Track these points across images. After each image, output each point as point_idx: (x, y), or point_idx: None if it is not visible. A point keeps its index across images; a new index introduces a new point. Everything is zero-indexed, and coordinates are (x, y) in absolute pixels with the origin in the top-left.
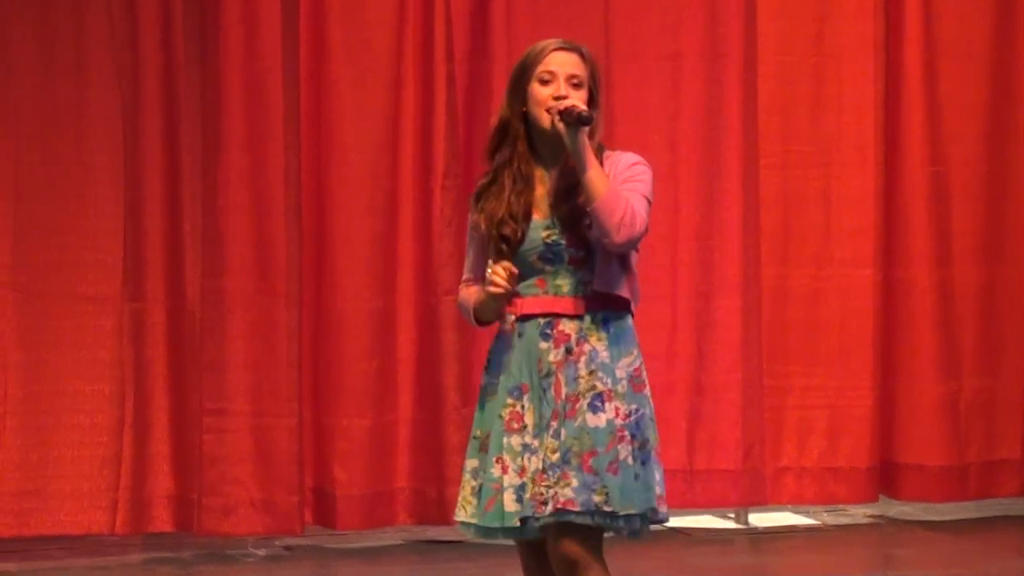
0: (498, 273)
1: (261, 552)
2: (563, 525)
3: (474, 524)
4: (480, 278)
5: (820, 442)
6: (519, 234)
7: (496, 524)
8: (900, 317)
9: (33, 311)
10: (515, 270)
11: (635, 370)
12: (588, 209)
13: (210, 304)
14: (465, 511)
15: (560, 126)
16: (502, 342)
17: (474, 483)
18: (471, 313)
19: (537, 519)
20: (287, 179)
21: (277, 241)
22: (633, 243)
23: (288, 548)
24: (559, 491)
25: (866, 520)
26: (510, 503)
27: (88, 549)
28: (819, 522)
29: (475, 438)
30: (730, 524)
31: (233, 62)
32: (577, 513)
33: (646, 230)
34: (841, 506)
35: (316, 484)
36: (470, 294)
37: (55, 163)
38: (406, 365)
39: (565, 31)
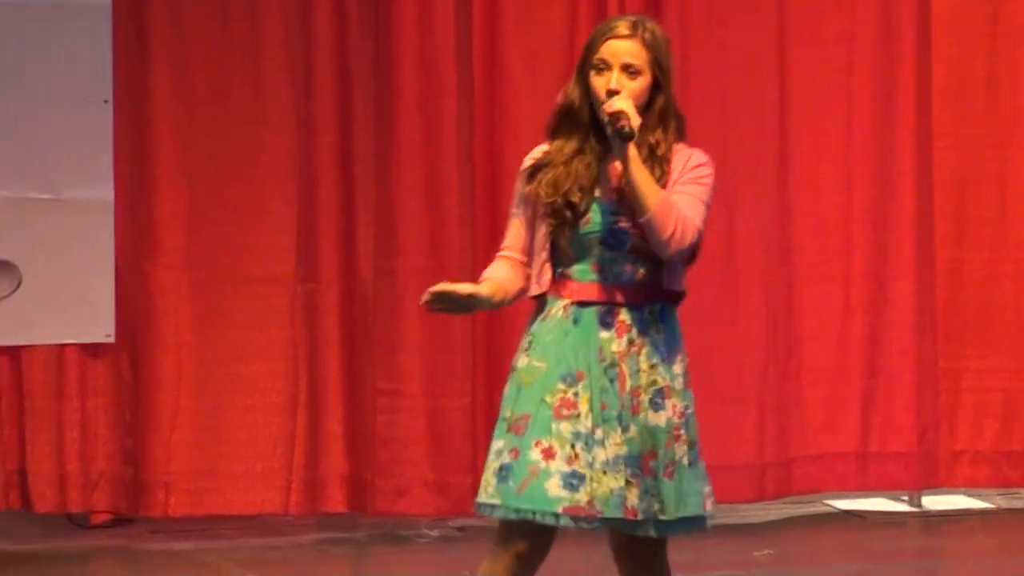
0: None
1: (434, 533)
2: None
3: (498, 504)
4: (520, 251)
5: (994, 425)
6: (585, 205)
7: (530, 506)
8: None
9: (207, 292)
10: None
11: (687, 366)
12: (639, 222)
13: (384, 284)
14: (486, 491)
15: (608, 129)
16: (550, 325)
17: (496, 464)
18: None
19: (603, 518)
20: (460, 159)
21: (450, 221)
22: (684, 253)
23: (461, 529)
24: (628, 495)
25: None
26: (555, 489)
27: (261, 529)
28: (993, 505)
29: (504, 419)
30: (904, 507)
31: (406, 40)
32: (637, 523)
33: (700, 237)
34: (1015, 489)
35: None
36: (490, 272)
37: (229, 145)
38: None
39: (739, 14)
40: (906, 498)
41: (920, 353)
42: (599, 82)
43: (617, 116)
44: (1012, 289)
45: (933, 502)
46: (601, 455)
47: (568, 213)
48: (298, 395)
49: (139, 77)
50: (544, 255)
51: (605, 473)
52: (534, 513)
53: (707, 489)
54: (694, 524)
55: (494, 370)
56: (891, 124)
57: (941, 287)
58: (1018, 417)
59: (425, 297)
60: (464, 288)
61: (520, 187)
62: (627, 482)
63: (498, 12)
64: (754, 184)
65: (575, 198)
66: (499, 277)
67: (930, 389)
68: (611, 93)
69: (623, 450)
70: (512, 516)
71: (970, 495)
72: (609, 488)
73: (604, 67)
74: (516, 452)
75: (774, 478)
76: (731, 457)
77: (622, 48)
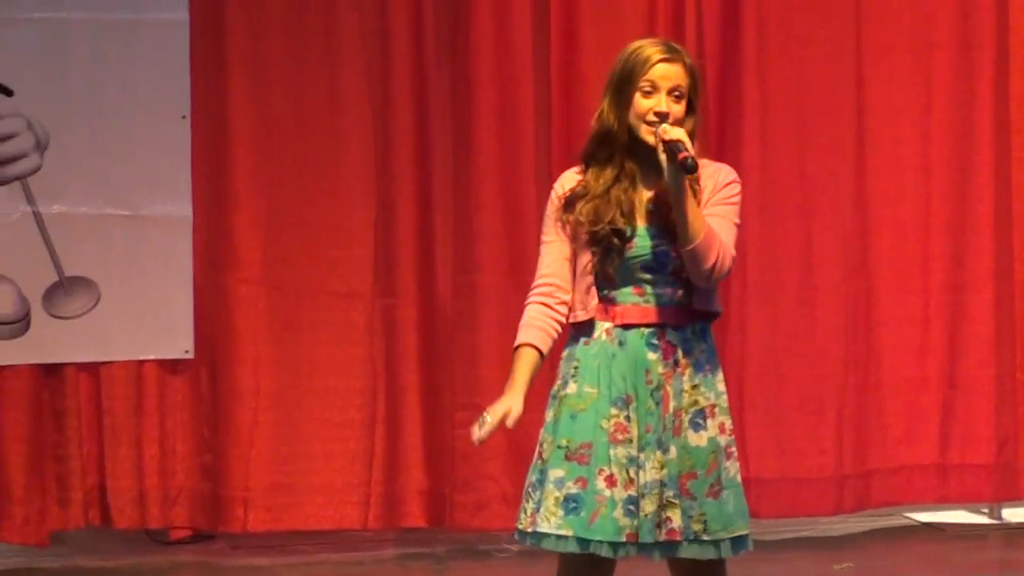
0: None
1: (514, 548)
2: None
3: (569, 536)
4: (558, 277)
5: None
6: (630, 232)
7: (604, 538)
8: None
9: (285, 306)
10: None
11: (725, 383)
12: (681, 251)
13: (462, 299)
14: (549, 522)
15: (662, 156)
16: (595, 350)
17: (558, 493)
18: (517, 338)
19: (655, 543)
20: (537, 176)
21: (528, 237)
22: (719, 281)
23: None
24: (672, 516)
25: None
26: (621, 518)
27: (341, 544)
28: None
29: (560, 447)
30: (984, 519)
31: (484, 57)
32: (681, 545)
33: (734, 263)
34: None
35: None
36: (531, 321)
37: (307, 160)
38: None
39: (817, 26)
40: (986, 510)
41: (999, 364)
42: (646, 104)
43: (676, 146)
44: None
45: (1013, 514)
46: (642, 478)
47: (615, 241)
48: (376, 410)
49: (217, 93)
50: (588, 281)
51: (643, 497)
52: (604, 544)
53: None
54: (743, 544)
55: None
56: (969, 135)
57: (1020, 298)
58: None
59: (481, 437)
60: (513, 414)
61: (554, 214)
62: (669, 503)
63: (576, 29)
64: (832, 196)
65: (621, 225)
66: (536, 358)
67: (1009, 401)
68: (660, 116)
69: (661, 473)
70: (581, 549)
71: None
72: (646, 513)
73: (652, 90)
74: (584, 482)
75: (853, 490)
76: (810, 469)
77: (671, 72)
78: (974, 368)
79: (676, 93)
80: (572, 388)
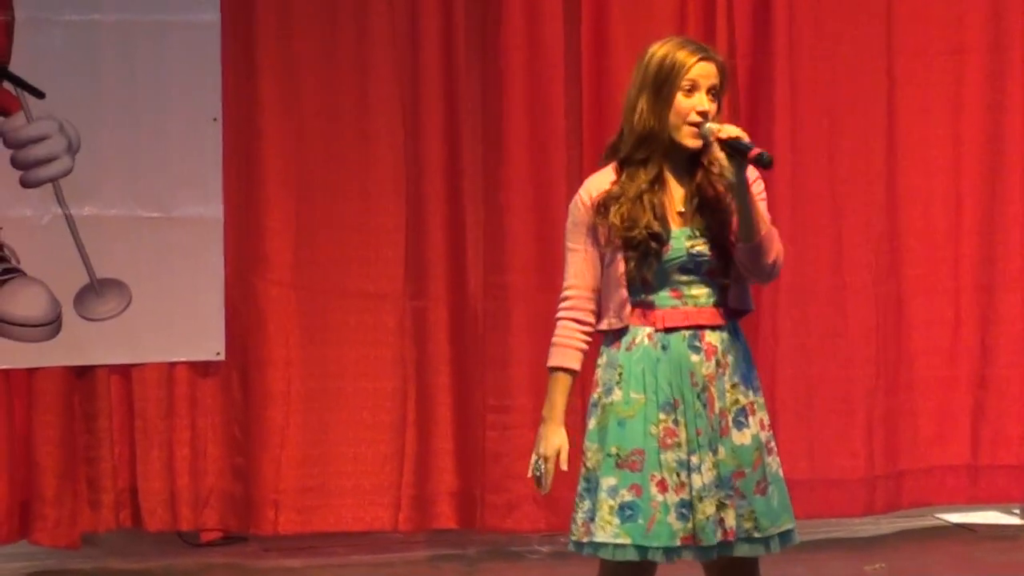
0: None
1: (545, 549)
2: (740, 558)
3: (627, 544)
4: (587, 288)
5: None
6: (667, 234)
7: (661, 544)
8: None
9: (315, 308)
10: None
11: (760, 379)
12: (743, 245)
13: (493, 301)
14: (605, 531)
15: (719, 155)
16: (637, 355)
17: (612, 502)
18: (552, 357)
19: (712, 546)
20: (568, 176)
21: (559, 238)
22: (777, 275)
23: None
24: (725, 517)
25: None
26: (675, 522)
27: (372, 546)
28: None
29: (609, 455)
30: (1016, 520)
31: (514, 57)
32: (735, 544)
33: None
34: None
35: None
36: (562, 340)
37: (337, 161)
38: None
39: (848, 26)
40: (1017, 511)
41: None
42: (687, 104)
43: (742, 144)
44: None
45: None
46: (698, 481)
47: (653, 244)
48: (407, 412)
49: (248, 95)
50: (623, 286)
51: (701, 500)
52: (660, 550)
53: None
54: (789, 538)
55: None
56: (1000, 135)
57: None
58: None
59: (547, 487)
60: (564, 451)
61: (582, 219)
62: (721, 504)
63: (607, 29)
64: (863, 196)
65: (656, 228)
66: (571, 382)
67: None
68: (703, 115)
69: (714, 473)
70: (640, 557)
71: None
72: (706, 515)
73: (694, 89)
74: (638, 489)
75: (884, 491)
76: (841, 470)
77: (711, 71)
78: (1004, 369)
79: (712, 92)
80: (618, 395)
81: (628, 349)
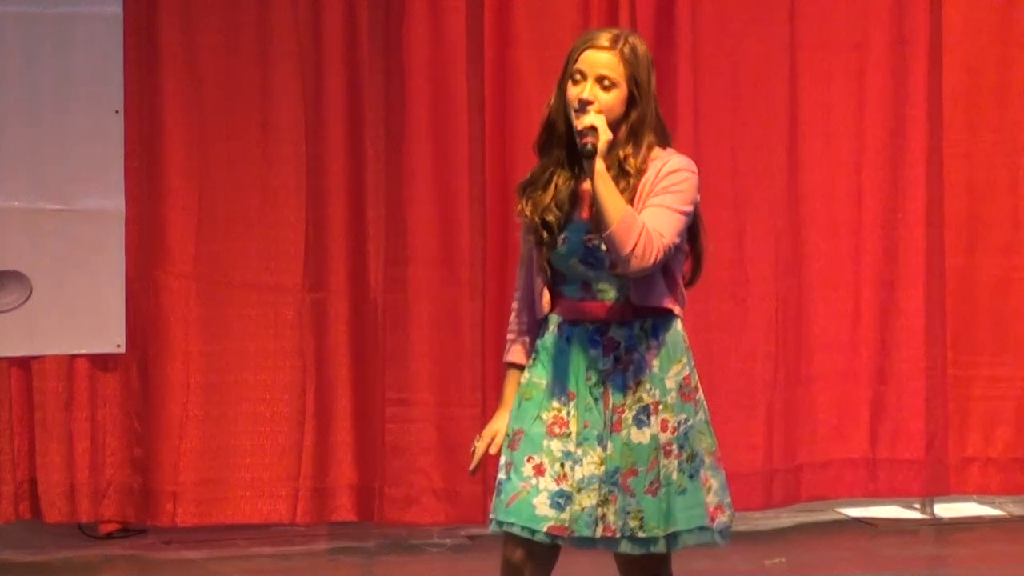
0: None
1: (445, 542)
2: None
3: (492, 519)
4: (526, 277)
5: (1007, 432)
6: (562, 223)
7: (516, 520)
8: None
9: (216, 301)
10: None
11: (685, 378)
12: (602, 237)
13: (393, 294)
14: (492, 508)
15: (577, 143)
16: (549, 342)
17: (498, 478)
18: (505, 351)
19: (589, 538)
20: (471, 168)
21: (461, 231)
22: (647, 270)
23: (472, 538)
24: (607, 512)
25: None
26: (543, 507)
27: (272, 538)
28: (1005, 513)
29: (507, 434)
30: (915, 515)
31: (417, 50)
32: (614, 540)
33: (670, 248)
34: None
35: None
36: (515, 335)
37: (239, 154)
38: None
39: (751, 21)
40: (918, 506)
41: (930, 360)
42: (574, 92)
43: (583, 132)
44: None
45: (945, 510)
46: (579, 473)
47: (544, 233)
48: (306, 404)
49: (150, 87)
50: (540, 277)
51: (580, 491)
52: (518, 527)
53: (716, 499)
54: (699, 535)
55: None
56: (902, 131)
57: (951, 294)
58: None
59: (474, 468)
60: (499, 438)
61: (518, 213)
62: (604, 500)
63: (510, 23)
64: (764, 191)
65: (550, 217)
66: (520, 371)
67: (939, 396)
68: (583, 103)
69: (599, 469)
70: (499, 530)
71: (982, 503)
72: (582, 507)
73: (580, 78)
74: (510, 466)
75: (782, 485)
76: (739, 464)
77: (600, 60)
78: (904, 363)
79: (605, 82)
80: (526, 376)
81: (544, 335)
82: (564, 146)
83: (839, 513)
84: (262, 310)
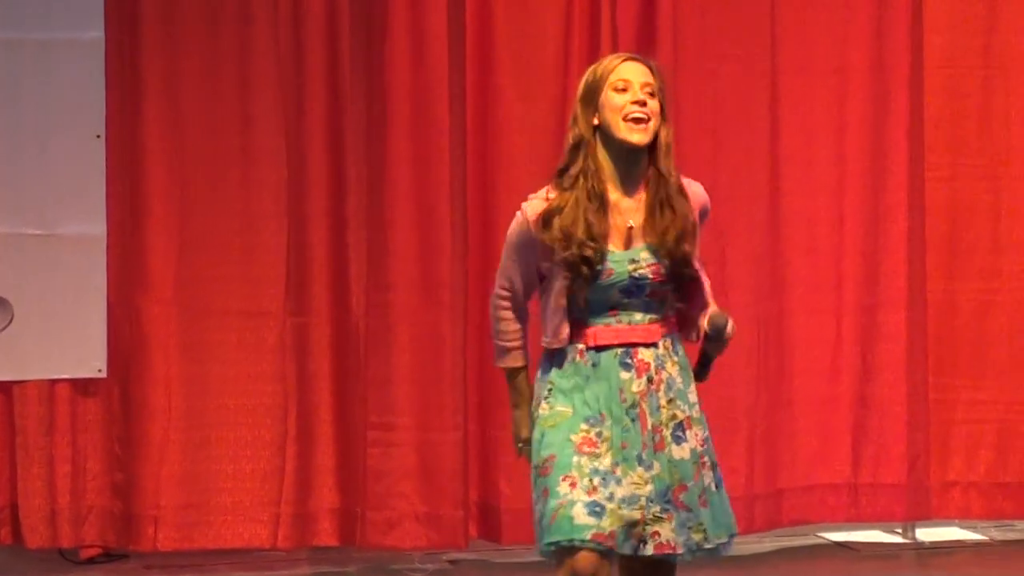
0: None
1: (426, 566)
2: (659, 562)
3: (537, 548)
4: (524, 296)
5: (988, 456)
6: (600, 257)
7: (560, 537)
8: None
9: (196, 325)
10: None
11: (697, 392)
12: (707, 348)
13: (375, 318)
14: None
15: (705, 329)
16: (568, 371)
17: (536, 510)
18: (503, 359)
19: (635, 554)
20: (453, 193)
21: (442, 255)
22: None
23: (453, 563)
24: (660, 531)
25: None
26: (581, 516)
27: (254, 563)
28: (987, 538)
29: (534, 467)
30: (897, 539)
31: (399, 74)
32: (680, 555)
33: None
34: (1009, 522)
35: (481, 498)
36: (512, 337)
37: (220, 179)
38: None
39: (732, 46)
40: (900, 530)
41: (911, 384)
42: (621, 99)
43: (721, 337)
44: (1005, 321)
45: (927, 534)
46: (619, 492)
47: (584, 268)
48: (288, 428)
49: (131, 112)
50: (562, 304)
51: (621, 508)
52: (564, 540)
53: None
54: (729, 541)
55: (485, 403)
56: (883, 155)
57: (933, 318)
58: (1012, 449)
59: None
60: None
61: (521, 235)
62: (656, 519)
63: (491, 45)
64: (745, 215)
65: (588, 252)
66: (526, 370)
67: (921, 420)
68: (638, 103)
69: (645, 489)
70: (549, 550)
71: (964, 527)
72: (622, 525)
73: (625, 86)
74: (546, 492)
75: (764, 509)
76: None
77: (641, 70)
78: (886, 388)
79: (648, 90)
80: (545, 409)
81: (560, 367)
82: (588, 164)
83: (821, 537)
84: (243, 335)
